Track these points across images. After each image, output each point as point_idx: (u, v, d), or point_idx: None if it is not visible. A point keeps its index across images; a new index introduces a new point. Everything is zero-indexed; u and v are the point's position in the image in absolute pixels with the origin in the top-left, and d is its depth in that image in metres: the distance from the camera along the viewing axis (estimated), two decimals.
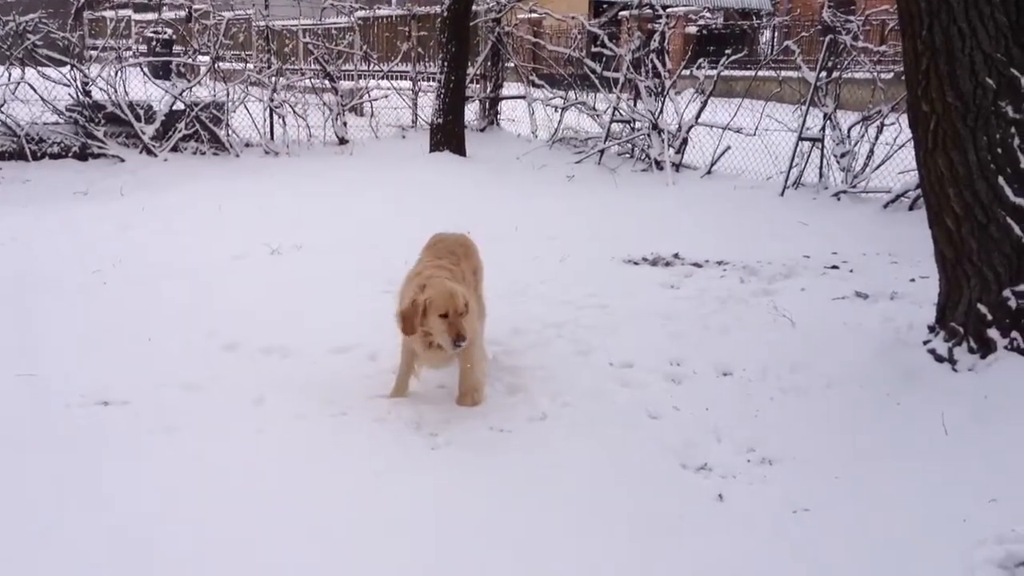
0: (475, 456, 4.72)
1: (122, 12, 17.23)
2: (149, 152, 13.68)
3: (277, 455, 4.64)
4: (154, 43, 18.70)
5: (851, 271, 8.52)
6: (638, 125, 14.95)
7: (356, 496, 4.25)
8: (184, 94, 14.35)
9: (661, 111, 14.32)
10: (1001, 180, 5.35)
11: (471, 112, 17.01)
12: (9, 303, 7.07)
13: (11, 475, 4.36)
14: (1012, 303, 5.43)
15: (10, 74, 13.14)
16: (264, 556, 3.76)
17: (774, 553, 3.92)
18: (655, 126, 14.28)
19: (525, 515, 4.14)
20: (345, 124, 16.03)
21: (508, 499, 4.30)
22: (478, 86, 17.83)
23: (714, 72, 14.33)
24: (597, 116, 15.83)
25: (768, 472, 4.65)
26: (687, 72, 15.74)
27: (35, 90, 13.23)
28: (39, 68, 13.52)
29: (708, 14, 28.53)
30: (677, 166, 14.06)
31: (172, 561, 3.70)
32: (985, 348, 5.52)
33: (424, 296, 5.04)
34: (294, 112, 15.57)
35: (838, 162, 12.26)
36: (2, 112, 12.85)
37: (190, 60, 16.09)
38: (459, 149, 15.12)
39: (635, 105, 15.14)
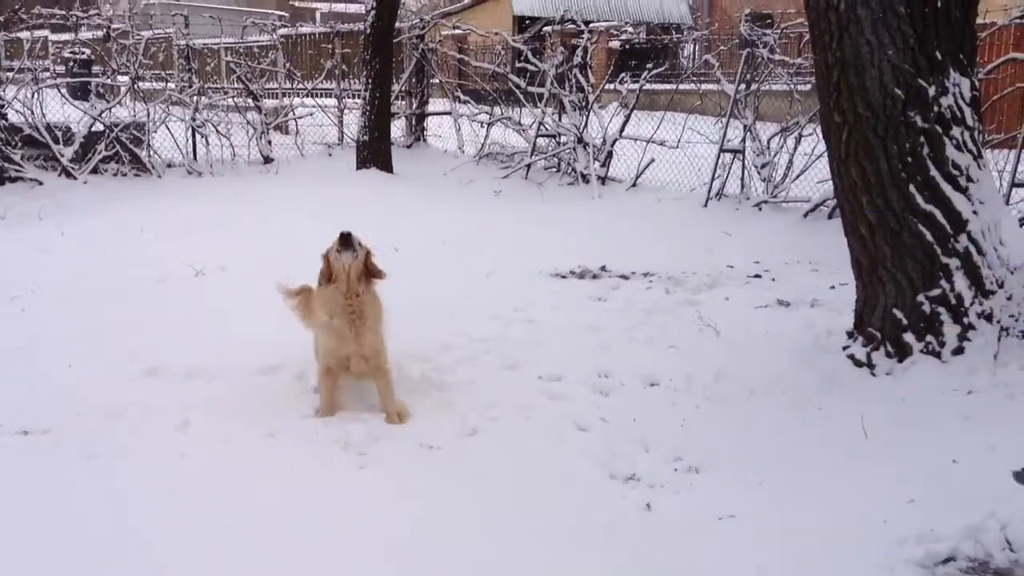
0: (404, 474, 4.71)
1: (38, 33, 16.82)
2: (68, 175, 13.38)
3: (201, 481, 4.56)
4: (72, 64, 18.33)
5: (773, 280, 8.70)
6: (563, 139, 15.09)
7: (282, 521, 4.20)
8: (103, 115, 14.07)
9: (586, 125, 14.47)
10: (912, 188, 5.52)
11: (397, 129, 16.99)
12: None
13: None
14: (926, 308, 5.60)
15: None
16: None
17: (701, 561, 3.97)
18: (580, 140, 14.41)
19: (454, 531, 4.15)
20: (270, 143, 15.87)
21: (436, 516, 4.29)
22: (404, 103, 17.80)
23: (637, 86, 14.54)
24: (523, 131, 15.91)
25: (695, 480, 4.73)
26: (610, 86, 15.95)
27: None
28: None
29: (630, 29, 28.93)
30: (603, 179, 14.21)
31: None
32: (902, 352, 5.68)
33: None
34: (217, 131, 15.36)
35: (759, 173, 12.51)
36: None
37: (109, 80, 15.79)
38: (386, 166, 15.07)
39: (560, 119, 15.28)
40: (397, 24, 15.92)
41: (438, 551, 3.97)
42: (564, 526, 4.23)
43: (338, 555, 3.91)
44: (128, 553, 3.87)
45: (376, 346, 5.52)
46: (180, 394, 5.75)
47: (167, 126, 14.85)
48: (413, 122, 17.91)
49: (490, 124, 16.55)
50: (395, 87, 16.52)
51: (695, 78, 16.17)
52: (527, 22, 27.75)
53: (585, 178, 14.11)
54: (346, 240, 5.58)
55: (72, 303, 7.72)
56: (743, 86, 12.81)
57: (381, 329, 5.61)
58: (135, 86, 15.17)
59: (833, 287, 8.15)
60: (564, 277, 9.02)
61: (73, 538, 3.98)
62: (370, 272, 5.62)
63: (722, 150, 12.68)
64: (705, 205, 12.44)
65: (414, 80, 17.76)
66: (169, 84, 15.99)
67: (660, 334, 7.01)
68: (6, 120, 13.49)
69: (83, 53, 18.12)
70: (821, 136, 6.65)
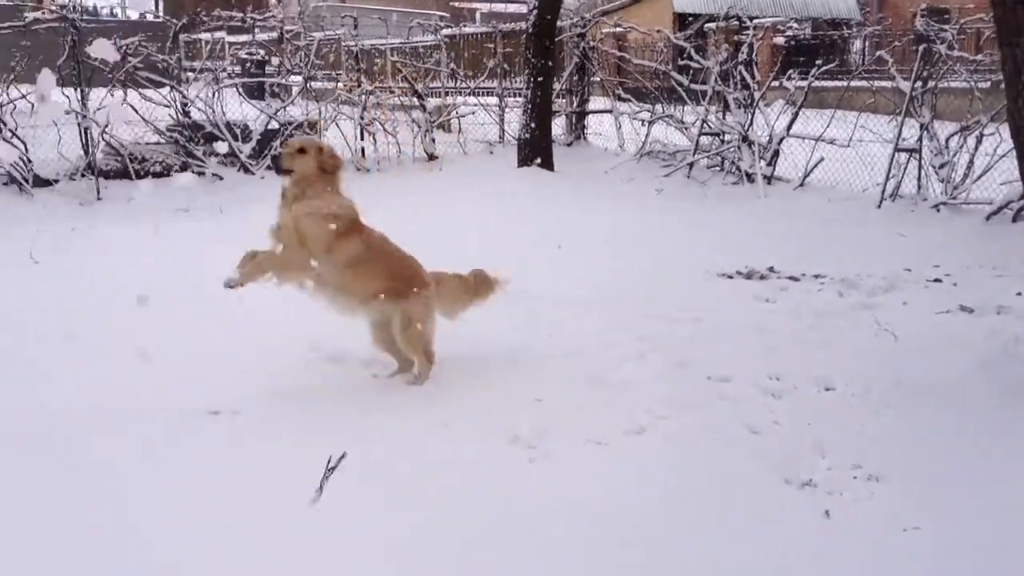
0: (573, 470, 4.70)
1: (217, 34, 17.68)
2: (246, 170, 14.01)
3: (379, 470, 4.69)
4: (248, 64, 19.16)
5: (954, 284, 8.31)
6: (728, 138, 14.82)
7: (465, 512, 4.26)
8: (278, 113, 14.68)
9: (751, 123, 14.17)
10: None
11: (558, 127, 17.03)
12: (120, 319, 7.24)
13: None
14: None
15: (113, 96, 13.57)
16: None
17: (886, 572, 3.82)
18: (745, 138, 14.13)
19: (623, 528, 4.11)
20: (434, 140, 16.19)
21: (604, 512, 4.26)
22: (564, 100, 17.86)
23: (804, 83, 14.13)
24: (685, 129, 15.71)
25: (876, 489, 4.54)
26: (776, 83, 15.55)
27: (136, 111, 13.63)
28: (140, 90, 13.95)
29: (796, 24, 28.15)
30: (769, 178, 13.89)
31: None
32: None
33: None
34: (384, 129, 15.80)
35: (936, 173, 11.99)
36: (107, 133, 13.28)
37: (283, 80, 16.45)
38: (547, 163, 15.15)
39: (724, 117, 15.01)
40: (558, 23, 15.96)
41: (611, 553, 3.95)
42: (742, 532, 4.14)
43: (529, 545, 3.96)
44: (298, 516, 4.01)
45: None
46: (357, 381, 5.91)
47: (337, 124, 15.35)
48: (574, 120, 17.94)
49: (651, 122, 16.39)
50: (556, 85, 16.57)
51: (866, 75, 15.59)
52: (688, 19, 27.36)
53: (750, 177, 13.82)
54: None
55: (255, 293, 8.02)
56: (919, 83, 12.29)
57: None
58: (307, 86, 15.73)
59: (1020, 293, 7.73)
60: (730, 277, 8.84)
61: (271, 501, 4.16)
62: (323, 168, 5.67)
63: (897, 149, 12.21)
64: (879, 206, 12.00)
65: (575, 78, 17.79)
66: (339, 84, 16.50)
67: (834, 337, 6.79)
68: (189, 118, 14.22)
69: (258, 54, 18.91)
70: (1005, 135, 6.31)
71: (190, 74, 15.78)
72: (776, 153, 14.06)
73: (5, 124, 12.42)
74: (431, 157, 15.99)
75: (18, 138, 12.46)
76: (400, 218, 11.30)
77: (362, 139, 15.72)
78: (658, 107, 16.59)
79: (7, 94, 12.63)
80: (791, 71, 15.17)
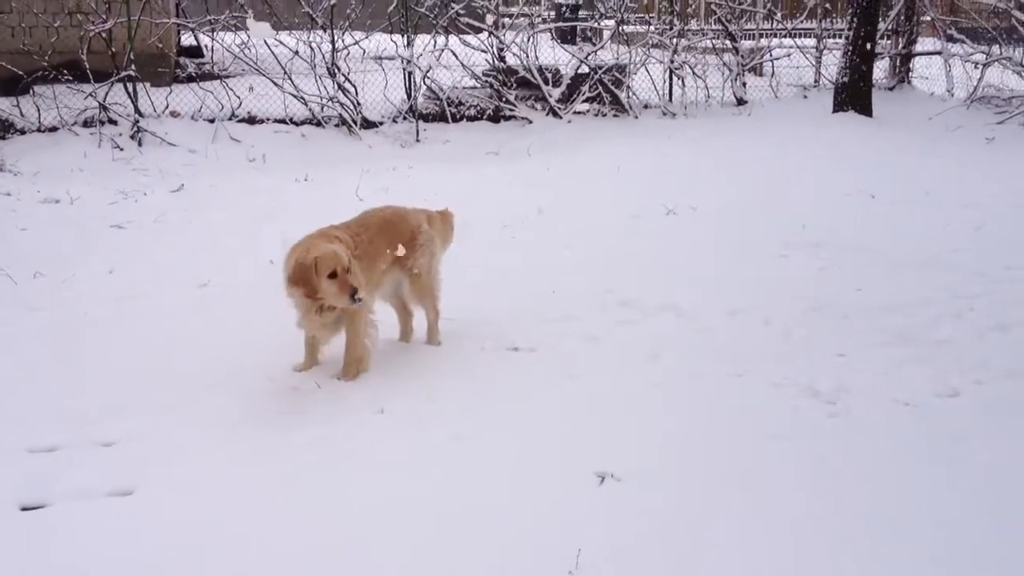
0: (875, 429, 4.48)
1: None
2: (555, 114, 14.31)
3: (661, 406, 4.73)
4: (563, 9, 19.46)
5: None
6: None
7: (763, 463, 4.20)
8: (589, 58, 14.83)
9: None
10: None
11: (880, 70, 16.06)
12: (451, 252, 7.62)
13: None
14: None
15: (435, 42, 14.27)
16: None
17: None
18: None
19: (930, 503, 3.86)
20: (744, 84, 15.77)
21: (906, 480, 4.03)
22: (889, 42, 16.80)
23: None
24: None
25: None
26: None
27: (456, 56, 14.26)
28: (460, 36, 14.56)
29: None
30: None
31: None
32: None
33: (312, 255, 4.80)
34: (693, 73, 15.56)
35: None
36: (428, 78, 13.99)
37: (596, 24, 16.57)
38: (865, 109, 14.37)
39: None
40: None
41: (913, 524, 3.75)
42: None
43: (823, 506, 3.85)
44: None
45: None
46: (650, 326, 5.94)
47: (646, 68, 15.29)
48: (898, 63, 16.84)
49: (986, 65, 15.09)
50: (881, 25, 15.58)
51: None
52: None
53: None
54: None
55: (553, 234, 8.26)
56: None
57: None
58: (619, 30, 15.76)
59: None
60: None
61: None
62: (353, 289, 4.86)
63: None
64: None
65: (902, 17, 16.66)
66: (650, 27, 16.39)
67: None
68: (504, 63, 14.68)
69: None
70: None
71: (506, 19, 16.26)
72: None
73: (339, 69, 13.40)
74: (740, 102, 15.59)
75: (350, 82, 13.41)
76: (705, 163, 11.28)
77: (670, 83, 15.56)
78: (995, 48, 15.20)
79: (342, 40, 13.60)
80: None
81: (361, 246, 5.18)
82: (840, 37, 15.32)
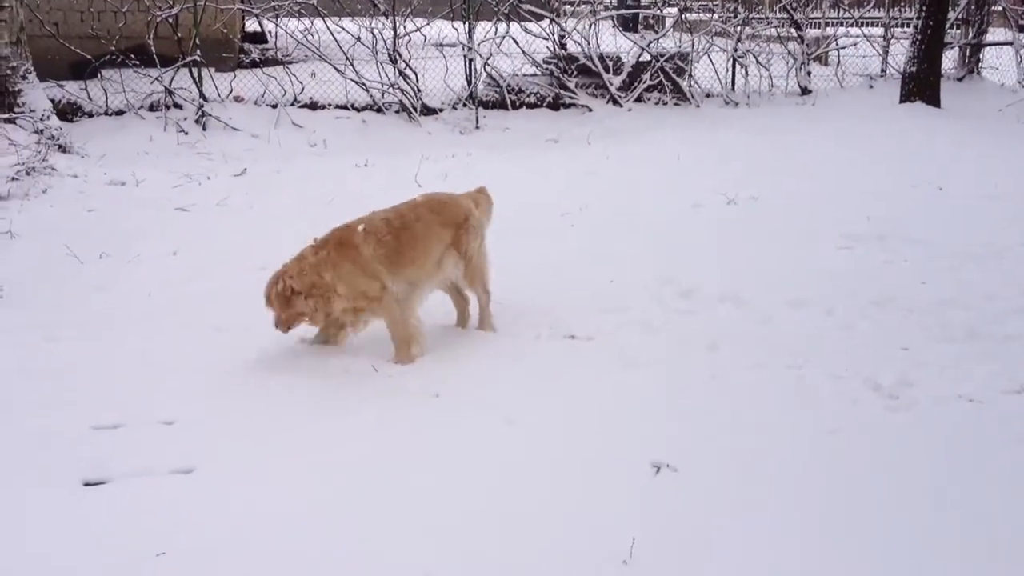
0: (938, 426, 4.39)
1: None
2: (615, 102, 14.21)
3: (726, 401, 4.67)
4: None
5: None
6: None
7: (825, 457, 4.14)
8: (651, 45, 14.70)
9: None
10: None
11: (948, 60, 15.72)
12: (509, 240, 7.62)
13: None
14: None
15: (496, 29, 14.25)
16: None
17: None
18: None
19: (996, 504, 3.77)
20: (809, 74, 15.53)
21: (974, 479, 3.94)
22: (958, 31, 16.42)
23: None
24: None
25: None
26: None
27: (517, 43, 14.23)
28: (522, 23, 14.52)
29: None
30: None
31: None
32: None
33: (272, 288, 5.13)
34: (757, 62, 15.36)
35: None
36: (489, 65, 13.98)
37: (658, 12, 16.43)
38: (933, 100, 14.07)
39: None
40: None
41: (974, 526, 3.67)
42: None
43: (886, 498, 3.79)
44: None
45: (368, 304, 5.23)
46: (709, 317, 5.88)
47: (709, 56, 15.12)
48: (967, 53, 16.46)
49: None
50: (950, 14, 15.24)
51: None
52: None
53: None
54: None
55: (612, 223, 8.21)
56: None
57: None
58: (682, 17, 15.60)
59: None
60: None
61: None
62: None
63: None
64: None
65: (972, 7, 16.27)
66: (714, 15, 16.21)
67: None
68: (565, 50, 14.62)
69: None
70: None
71: (568, 7, 16.18)
72: None
73: (400, 55, 13.44)
74: (804, 91, 15.35)
75: (411, 69, 13.45)
76: (768, 153, 11.12)
77: (733, 71, 15.38)
78: None
79: (404, 27, 13.65)
80: None
81: (397, 232, 5.23)
82: (908, 26, 15.02)
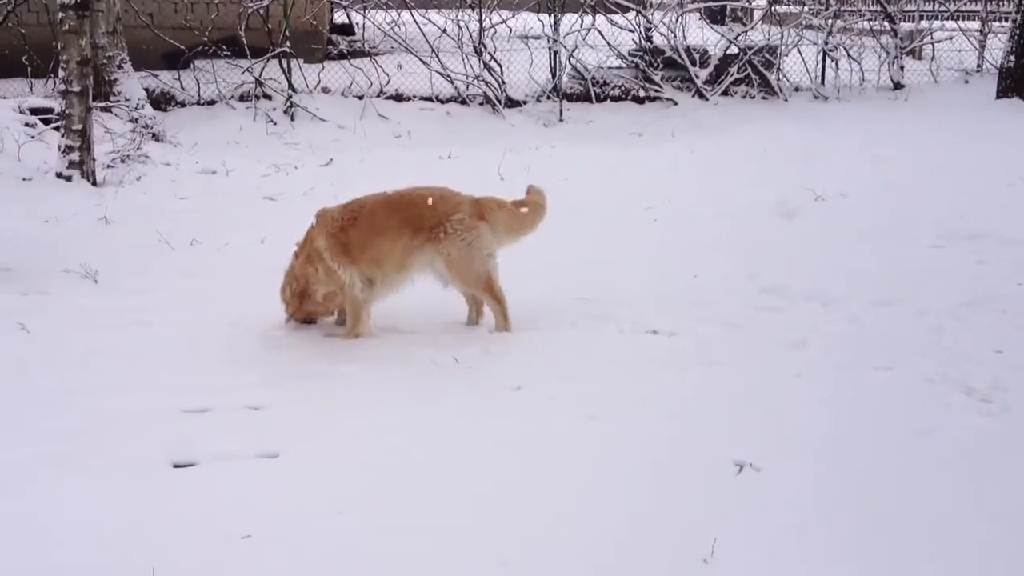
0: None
1: None
2: (700, 96, 14.07)
3: (808, 401, 4.57)
4: None
5: None
6: None
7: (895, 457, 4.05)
8: (739, 38, 14.50)
9: None
10: None
11: None
12: (592, 234, 7.63)
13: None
14: None
15: (582, 21, 14.20)
16: None
17: None
18: None
19: None
20: (902, 68, 15.16)
21: None
22: None
23: None
24: None
25: None
26: None
27: (603, 35, 14.17)
28: (607, 15, 14.44)
29: None
30: None
31: None
32: None
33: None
34: (848, 56, 15.04)
35: None
36: (573, 57, 13.95)
37: (747, 4, 16.19)
38: None
39: None
40: None
41: None
42: None
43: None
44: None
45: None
46: (795, 315, 5.78)
47: (798, 50, 14.87)
48: None
49: None
50: None
51: None
52: None
53: None
54: None
55: (695, 218, 8.14)
56: None
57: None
58: (771, 9, 15.36)
59: None
60: None
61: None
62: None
63: None
64: None
65: None
66: (804, 8, 15.92)
67: None
68: (651, 43, 14.50)
69: None
70: None
71: None
72: None
73: (485, 47, 13.49)
74: (897, 86, 15.00)
75: (495, 61, 13.49)
76: (856, 149, 10.89)
77: (823, 65, 15.09)
78: None
79: (489, 19, 13.69)
80: None
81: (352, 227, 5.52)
82: (1006, 20, 14.56)
